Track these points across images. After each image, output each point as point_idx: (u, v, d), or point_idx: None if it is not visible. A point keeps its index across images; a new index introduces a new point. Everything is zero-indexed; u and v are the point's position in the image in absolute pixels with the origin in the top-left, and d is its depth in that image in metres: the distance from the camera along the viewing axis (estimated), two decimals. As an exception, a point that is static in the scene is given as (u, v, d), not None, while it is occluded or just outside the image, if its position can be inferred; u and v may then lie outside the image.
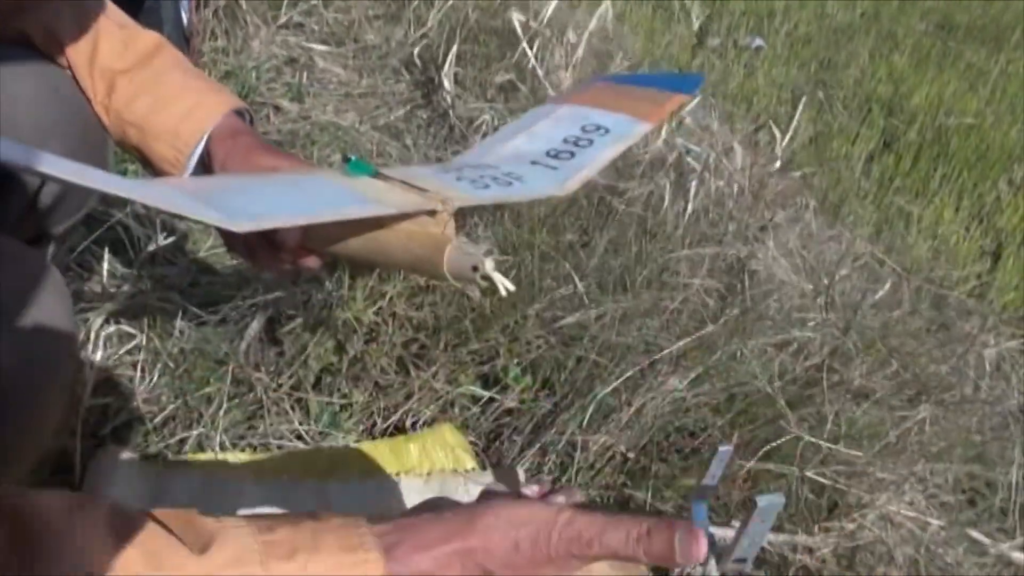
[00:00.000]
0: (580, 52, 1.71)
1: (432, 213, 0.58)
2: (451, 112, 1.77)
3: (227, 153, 0.68)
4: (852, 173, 2.47)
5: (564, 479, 0.99)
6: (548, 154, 0.75)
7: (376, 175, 0.63)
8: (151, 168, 0.71)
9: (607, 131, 0.78)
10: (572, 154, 0.75)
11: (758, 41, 3.15)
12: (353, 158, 0.65)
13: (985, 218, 2.44)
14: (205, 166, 0.71)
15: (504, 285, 0.55)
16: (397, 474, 1.00)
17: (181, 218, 0.64)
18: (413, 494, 0.98)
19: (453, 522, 0.43)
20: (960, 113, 2.87)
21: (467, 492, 0.98)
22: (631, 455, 0.97)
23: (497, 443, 1.04)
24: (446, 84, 1.80)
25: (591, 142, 0.77)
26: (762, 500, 0.64)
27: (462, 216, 1.06)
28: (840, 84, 2.99)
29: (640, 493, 0.95)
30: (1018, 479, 1.38)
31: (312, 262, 0.67)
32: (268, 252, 0.65)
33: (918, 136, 2.74)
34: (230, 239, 0.68)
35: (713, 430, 0.97)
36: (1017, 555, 1.05)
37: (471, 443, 1.03)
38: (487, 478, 0.99)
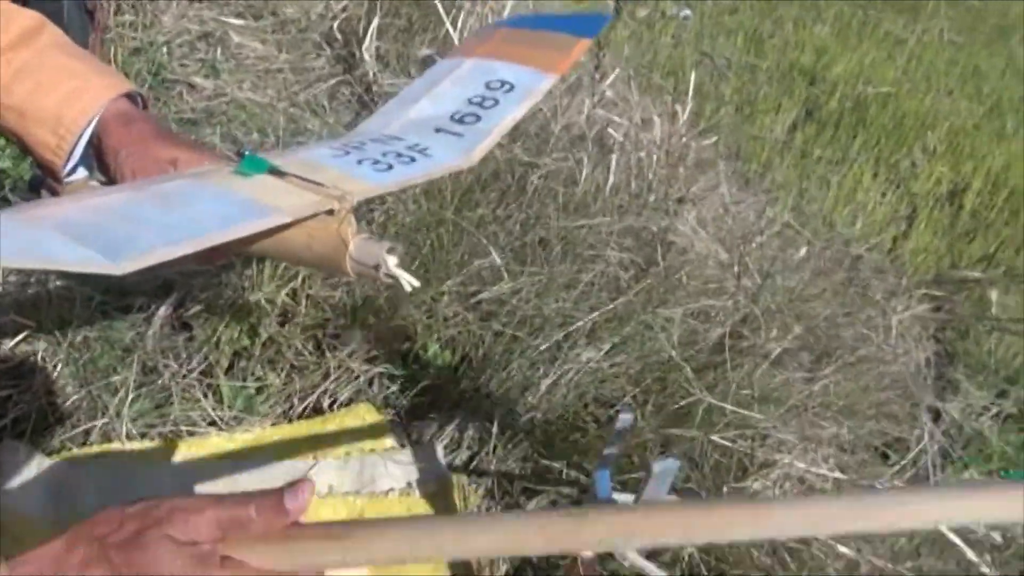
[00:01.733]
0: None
1: (331, 212, 0.57)
2: (373, 87, 1.74)
3: (119, 142, 0.65)
4: (776, 142, 2.53)
5: (483, 452, 1.00)
6: (453, 118, 0.73)
7: (271, 171, 0.61)
8: (30, 154, 0.67)
9: (512, 87, 0.76)
10: (478, 117, 0.73)
11: (686, 11, 3.17)
12: (247, 153, 0.62)
13: (900, 183, 2.53)
14: (97, 153, 0.68)
15: (409, 282, 0.55)
16: (314, 456, 0.99)
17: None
18: (331, 474, 0.97)
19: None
20: (878, 82, 2.95)
21: (386, 471, 0.98)
22: (548, 427, 0.98)
23: (416, 421, 1.04)
24: (367, 58, 1.77)
25: (496, 102, 0.75)
26: (657, 465, 0.67)
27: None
28: (765, 55, 3.04)
29: (557, 463, 0.96)
30: (923, 435, 1.45)
31: (217, 256, 0.65)
32: None
33: (839, 105, 2.81)
34: None
35: (628, 399, 0.99)
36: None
37: (390, 421, 1.03)
38: (406, 456, 1.00)
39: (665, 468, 0.64)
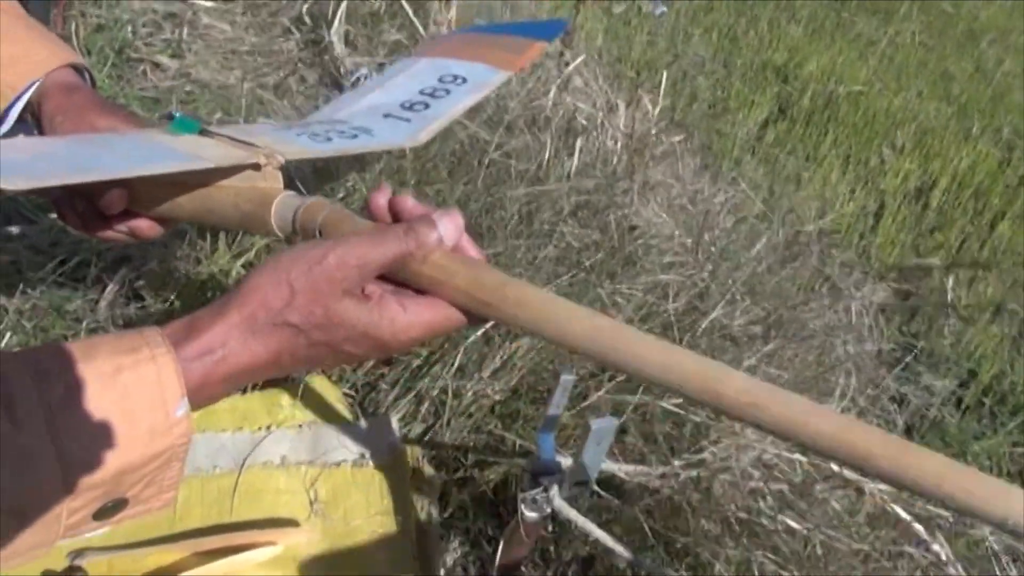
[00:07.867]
0: (453, 14, 1.69)
1: (258, 168, 0.57)
2: (340, 72, 1.73)
3: (57, 108, 0.65)
4: (747, 138, 2.55)
5: (437, 424, 0.99)
6: (403, 106, 0.74)
7: (202, 132, 0.61)
8: None
9: (464, 80, 0.77)
10: (427, 105, 0.74)
11: (661, 8, 3.19)
12: (178, 115, 0.62)
13: (869, 180, 2.56)
14: (37, 121, 0.68)
15: None
16: (269, 427, 0.98)
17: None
18: (285, 444, 0.96)
19: (227, 298, 0.44)
20: (850, 81, 2.99)
21: (340, 443, 0.98)
22: (501, 398, 0.98)
23: (372, 393, 1.03)
24: (335, 43, 1.77)
25: (448, 92, 0.75)
26: (595, 423, 0.67)
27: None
28: (739, 52, 3.07)
29: (511, 435, 0.96)
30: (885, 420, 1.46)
31: (148, 228, 0.65)
32: (99, 221, 0.63)
33: (810, 103, 2.84)
34: (61, 210, 0.65)
35: (583, 372, 0.99)
36: (869, 484, 1.12)
37: (345, 394, 1.02)
38: (360, 428, 0.99)
39: (603, 426, 0.64)
